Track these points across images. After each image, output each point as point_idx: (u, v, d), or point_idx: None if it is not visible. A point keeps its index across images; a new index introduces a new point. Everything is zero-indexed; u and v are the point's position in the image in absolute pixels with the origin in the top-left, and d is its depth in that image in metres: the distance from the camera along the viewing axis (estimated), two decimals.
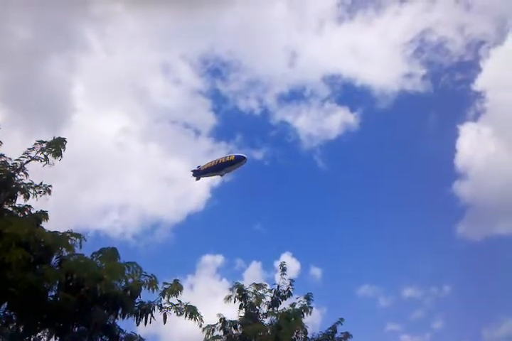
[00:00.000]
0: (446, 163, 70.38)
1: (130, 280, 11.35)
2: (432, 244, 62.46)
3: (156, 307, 11.71)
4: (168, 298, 11.70)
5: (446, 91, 72.21)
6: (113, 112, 77.97)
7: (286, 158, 75.09)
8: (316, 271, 56.59)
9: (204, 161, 50.78)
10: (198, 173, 50.63)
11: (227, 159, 47.57)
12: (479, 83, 67.91)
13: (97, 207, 62.13)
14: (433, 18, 76.45)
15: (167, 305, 11.74)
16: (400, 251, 61.09)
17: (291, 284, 15.78)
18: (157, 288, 11.64)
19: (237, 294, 15.70)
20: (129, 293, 11.29)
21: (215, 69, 77.86)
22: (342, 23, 79.09)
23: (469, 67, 77.42)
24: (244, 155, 48.45)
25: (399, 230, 65.13)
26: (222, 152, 68.92)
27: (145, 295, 11.73)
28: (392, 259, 60.88)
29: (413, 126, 75.14)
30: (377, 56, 77.34)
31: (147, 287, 11.53)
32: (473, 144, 66.07)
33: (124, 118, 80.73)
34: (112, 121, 74.91)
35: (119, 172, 71.00)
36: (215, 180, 65.31)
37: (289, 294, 15.82)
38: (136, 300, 11.59)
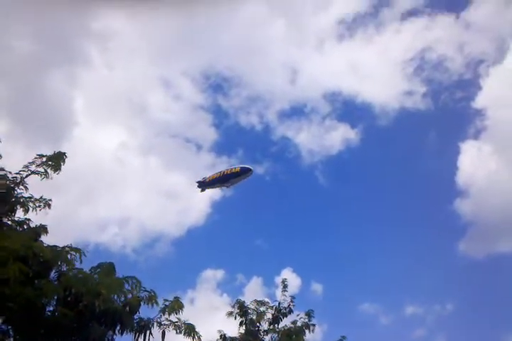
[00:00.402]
0: (447, 180, 70.32)
1: (129, 295, 11.19)
2: (434, 261, 62.14)
3: (155, 323, 11.56)
4: (169, 315, 11.54)
5: (447, 109, 72.63)
6: (112, 126, 78.99)
7: (287, 173, 75.28)
8: (317, 287, 56.30)
9: (205, 175, 50.86)
10: (203, 185, 50.24)
11: (233, 170, 47.30)
12: (479, 101, 68.25)
13: (97, 220, 62.49)
14: (433, 36, 77.02)
15: (166, 323, 11.59)
16: (402, 268, 60.89)
17: (292, 301, 15.59)
18: (157, 303, 11.48)
19: (238, 310, 15.52)
20: (127, 308, 11.11)
21: (216, 85, 78.55)
22: (342, 40, 79.97)
23: (469, 85, 77.76)
24: (250, 167, 48.03)
25: (400, 247, 64.74)
26: (223, 166, 68.98)
27: (144, 311, 11.60)
28: (394, 276, 60.53)
29: (414, 143, 75.52)
30: (377, 73, 77.88)
31: (146, 302, 11.38)
32: (474, 162, 66.19)
33: (124, 132, 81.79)
34: (111, 136, 76.11)
35: (118, 186, 71.43)
36: (216, 194, 65.58)
37: (290, 311, 15.60)
38: (135, 316, 11.43)
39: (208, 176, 50.09)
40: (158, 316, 11.58)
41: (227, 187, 48.78)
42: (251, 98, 76.64)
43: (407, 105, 70.30)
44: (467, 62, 72.44)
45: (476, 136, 69.86)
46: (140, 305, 11.30)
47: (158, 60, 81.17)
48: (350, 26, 79.99)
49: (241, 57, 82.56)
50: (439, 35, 76.90)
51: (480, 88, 70.45)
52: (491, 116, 65.75)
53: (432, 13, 76.94)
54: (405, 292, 58.32)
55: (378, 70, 77.75)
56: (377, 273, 60.89)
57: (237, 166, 48.34)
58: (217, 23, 77.21)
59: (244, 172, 46.82)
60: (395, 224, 68.64)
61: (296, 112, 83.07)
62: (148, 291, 11.39)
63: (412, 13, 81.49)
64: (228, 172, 47.53)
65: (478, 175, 64.82)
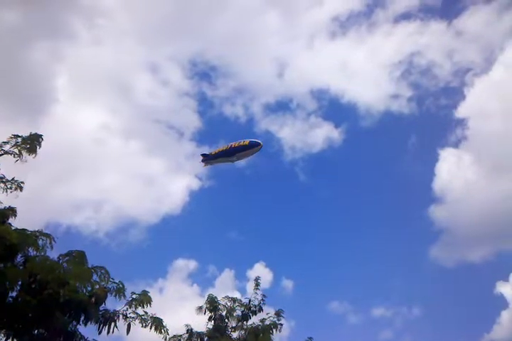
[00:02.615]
0: (424, 185, 70.41)
1: (96, 286, 10.89)
2: (405, 265, 62.79)
3: (120, 316, 11.28)
4: (135, 308, 11.27)
5: (430, 115, 73.15)
6: (95, 106, 76.48)
7: (267, 167, 74.80)
8: (288, 283, 56.37)
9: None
10: (208, 158, 47.77)
11: (241, 144, 44.84)
12: (462, 110, 68.88)
13: (71, 202, 60.59)
14: (424, 41, 76.79)
15: (132, 315, 11.32)
16: (374, 270, 61.20)
17: (263, 299, 15.39)
18: (124, 295, 11.23)
19: (208, 305, 15.27)
20: (93, 299, 10.83)
21: (203, 73, 77.92)
22: (334, 38, 79.73)
23: (454, 94, 77.56)
24: (260, 142, 45.34)
25: (374, 249, 65.10)
26: None
27: (111, 303, 11.32)
28: (365, 278, 60.72)
29: (395, 146, 75.69)
30: (365, 74, 77.61)
31: (114, 294, 11.11)
32: (452, 170, 66.67)
33: (105, 113, 77.84)
34: (92, 116, 72.78)
35: (96, 168, 69.50)
36: (195, 183, 65.04)
37: (260, 309, 15.41)
38: (101, 308, 11.15)
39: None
40: (125, 309, 11.31)
41: (233, 161, 46.07)
42: (237, 89, 76.31)
43: (392, 108, 70.66)
44: (455, 70, 73.05)
45: (457, 144, 70.22)
46: (107, 296, 11.04)
47: (147, 43, 78.59)
48: (344, 24, 79.92)
49: (231, 46, 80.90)
50: (430, 40, 76.78)
51: (464, 97, 71.36)
52: (472, 126, 66.40)
53: (424, 18, 77.30)
54: (375, 293, 58.74)
55: (367, 71, 77.56)
56: (348, 273, 61.28)
57: (246, 140, 45.31)
58: (210, 10, 76.42)
59: (253, 146, 44.37)
60: (370, 226, 68.97)
61: (282, 107, 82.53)
62: (116, 283, 11.12)
63: (405, 17, 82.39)
64: (236, 145, 44.80)
65: (455, 183, 65.28)
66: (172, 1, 78.76)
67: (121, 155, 71.19)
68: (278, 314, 15.34)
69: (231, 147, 45.18)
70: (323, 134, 72.12)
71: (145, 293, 11.41)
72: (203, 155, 48.35)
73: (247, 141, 44.76)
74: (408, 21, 79.59)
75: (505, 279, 53.45)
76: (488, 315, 50.69)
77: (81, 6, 75.05)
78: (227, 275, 53.35)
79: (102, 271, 11.05)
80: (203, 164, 49.24)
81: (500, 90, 67.17)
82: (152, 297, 11.63)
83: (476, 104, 67.44)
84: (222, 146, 46.83)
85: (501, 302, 50.66)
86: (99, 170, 69.41)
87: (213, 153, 47.18)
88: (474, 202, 60.92)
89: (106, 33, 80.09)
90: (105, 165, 70.86)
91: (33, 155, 11.09)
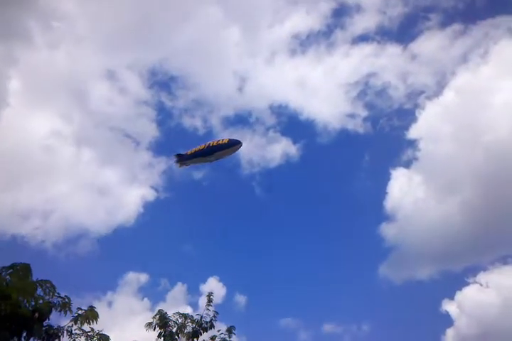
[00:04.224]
0: (376, 203, 71.96)
1: (41, 301, 10.43)
2: (356, 282, 63.62)
3: (65, 332, 10.85)
4: (81, 324, 10.85)
5: (384, 135, 75.29)
6: (46, 112, 73.12)
7: (224, 180, 74.67)
8: (241, 299, 56.07)
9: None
10: (183, 158, 44.95)
11: (220, 142, 42.56)
12: (414, 132, 70.90)
13: (18, 211, 58.44)
14: (380, 63, 78.99)
15: (78, 332, 10.92)
16: (325, 287, 61.71)
17: (215, 316, 15.16)
18: (70, 311, 10.79)
19: (158, 321, 14.92)
20: (37, 314, 10.35)
21: (163, 83, 77.65)
22: (294, 55, 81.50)
23: (407, 115, 79.77)
24: (240, 140, 43.17)
25: (326, 265, 65.95)
26: (161, 166, 67.89)
27: (55, 318, 10.86)
28: (316, 294, 61.08)
29: (349, 164, 77.41)
30: (323, 92, 79.42)
31: (59, 309, 10.67)
32: (403, 189, 68.18)
33: (58, 119, 73.61)
34: (43, 121, 69.77)
35: (45, 176, 67.00)
36: (150, 194, 64.00)
37: (212, 326, 15.16)
38: (45, 323, 10.67)
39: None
40: (70, 325, 10.88)
41: (211, 161, 43.58)
42: (197, 101, 75.78)
43: (348, 127, 72.58)
44: (408, 92, 75.36)
45: (408, 164, 72.03)
46: (51, 311, 10.57)
47: (105, 50, 76.50)
48: (304, 42, 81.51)
49: (192, 58, 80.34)
50: (386, 62, 79.11)
51: (416, 119, 73.40)
52: (422, 147, 68.40)
53: (381, 41, 79.77)
54: (326, 310, 59.10)
55: (325, 89, 79.42)
56: (301, 289, 61.51)
57: (225, 138, 43.29)
58: (172, 21, 76.25)
59: (233, 144, 42.32)
60: (324, 242, 69.77)
61: (241, 120, 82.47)
62: (62, 297, 10.68)
63: (362, 38, 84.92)
64: (215, 143, 42.50)
65: (405, 202, 66.81)
66: (134, 9, 77.95)
67: (73, 164, 68.99)
68: (229, 331, 15.14)
69: (209, 146, 42.92)
70: (281, 149, 72.77)
71: (92, 309, 11.02)
72: (177, 155, 45.75)
73: (226, 140, 42.98)
74: (365, 43, 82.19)
75: (451, 297, 54.99)
76: (434, 332, 51.69)
77: (37, 7, 73.24)
78: (179, 290, 52.66)
79: (48, 285, 10.59)
80: (177, 165, 46.35)
81: (451, 114, 69.83)
82: (100, 311, 11.26)
83: (427, 126, 69.88)
84: (199, 146, 44.12)
85: (447, 320, 52.01)
86: (48, 179, 67.17)
87: (189, 152, 44.56)
88: (423, 222, 62.54)
89: (62, 37, 77.67)
90: (55, 174, 68.48)
91: None
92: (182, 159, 45.26)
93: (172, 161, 46.75)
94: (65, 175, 69.28)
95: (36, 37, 73.34)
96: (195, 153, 43.77)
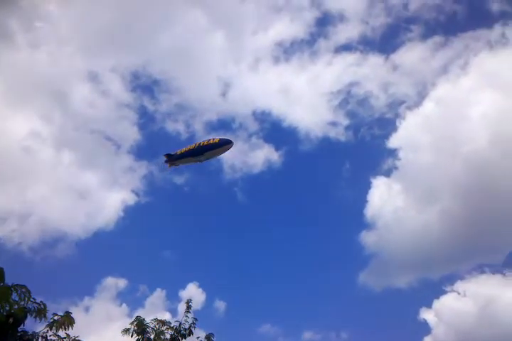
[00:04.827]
0: (356, 211, 73.14)
1: (15, 306, 10.17)
2: (336, 290, 64.32)
3: (40, 338, 10.60)
4: (57, 330, 10.61)
5: (365, 144, 76.72)
6: (26, 112, 73.32)
7: (206, 186, 74.79)
8: (220, 305, 55.95)
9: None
10: (173, 158, 44.62)
11: (211, 142, 42.16)
12: (394, 141, 72.45)
13: None
14: (362, 72, 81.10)
15: (53, 338, 10.68)
16: (305, 294, 61.96)
17: (194, 323, 14.99)
18: (45, 317, 10.55)
19: (136, 328, 14.70)
20: (11, 320, 10.08)
21: (146, 86, 78.20)
22: (278, 62, 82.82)
23: (388, 124, 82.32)
24: (231, 140, 42.52)
25: (307, 273, 66.21)
26: (141, 171, 67.42)
27: (31, 324, 10.61)
28: (296, 301, 61.40)
29: (331, 172, 78.47)
30: (306, 100, 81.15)
31: (34, 315, 10.42)
32: (383, 197, 69.21)
33: (38, 120, 75.38)
34: (23, 122, 69.79)
35: (23, 178, 66.55)
36: (130, 198, 63.38)
37: (190, 333, 15.00)
38: (19, 329, 10.40)
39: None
40: (45, 331, 10.64)
41: (201, 161, 42.86)
42: (180, 105, 76.32)
43: (329, 135, 73.91)
44: (389, 102, 77.20)
45: (388, 173, 73.59)
46: (26, 317, 10.31)
47: (88, 51, 77.34)
48: (287, 50, 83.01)
49: (175, 62, 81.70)
50: (368, 72, 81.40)
51: (396, 129, 74.58)
52: (402, 157, 69.73)
53: (364, 51, 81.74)
54: (305, 317, 59.44)
55: (308, 97, 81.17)
56: (281, 296, 61.74)
57: (215, 138, 42.81)
58: (157, 24, 76.38)
59: (224, 143, 41.86)
60: (304, 250, 70.09)
61: (224, 126, 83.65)
62: (38, 303, 10.43)
63: (345, 48, 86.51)
64: (205, 143, 42.01)
65: (385, 211, 67.90)
66: (118, 12, 78.20)
67: (52, 166, 68.54)
68: (208, 338, 15.01)
69: (199, 146, 42.63)
70: (263, 156, 73.40)
71: (67, 314, 10.79)
72: (166, 155, 45.33)
73: (217, 139, 42.65)
74: (348, 52, 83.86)
75: (429, 306, 55.74)
76: (412, 340, 52.15)
77: (19, 7, 73.44)
78: (158, 296, 52.34)
79: (23, 290, 10.32)
80: (167, 165, 46.05)
81: (430, 124, 71.15)
82: (77, 317, 11.04)
83: (407, 135, 71.36)
84: (188, 146, 43.99)
85: (424, 328, 52.58)
86: (26, 180, 66.46)
87: (179, 152, 44.34)
88: (402, 230, 63.60)
89: (45, 38, 77.69)
90: (34, 175, 67.85)
91: None
92: (171, 159, 44.81)
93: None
94: (43, 177, 68.83)
95: (18, 36, 73.20)
96: (185, 152, 43.33)
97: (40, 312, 10.40)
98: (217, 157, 44.56)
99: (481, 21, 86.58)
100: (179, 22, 78.70)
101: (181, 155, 43.83)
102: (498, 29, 77.20)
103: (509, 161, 61.93)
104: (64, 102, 74.37)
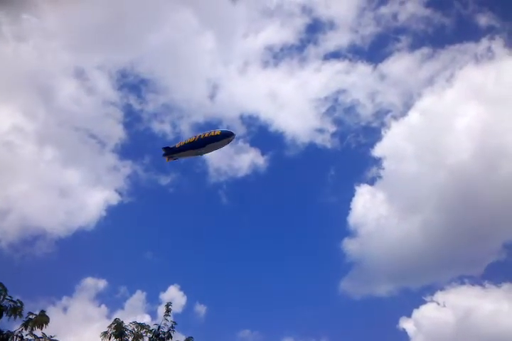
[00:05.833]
0: (339, 218, 73.05)
1: None
2: (316, 296, 63.86)
3: (15, 337, 10.40)
4: (32, 329, 10.42)
5: (350, 152, 76.97)
6: (8, 106, 71.38)
7: (191, 188, 74.41)
8: (201, 308, 55.50)
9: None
10: (172, 151, 42.89)
11: (211, 134, 40.64)
12: (379, 150, 72.72)
13: None
14: (350, 80, 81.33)
15: (29, 337, 10.48)
16: (285, 300, 61.67)
17: (173, 326, 14.83)
18: (21, 315, 10.37)
19: (114, 330, 14.49)
20: None
21: (133, 85, 77.29)
22: (266, 67, 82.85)
23: (373, 133, 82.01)
24: (233, 131, 41.00)
25: (287, 279, 66.01)
26: (126, 170, 66.83)
27: (6, 323, 10.41)
28: (277, 307, 60.98)
29: (315, 178, 78.44)
30: (294, 106, 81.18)
31: (9, 313, 10.24)
32: (366, 205, 69.40)
33: (21, 115, 72.54)
34: (5, 117, 68.06)
35: (4, 173, 65.16)
36: (113, 198, 62.64)
37: (169, 336, 14.82)
38: None
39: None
40: (20, 330, 10.44)
41: (201, 154, 41.77)
42: (167, 105, 75.65)
43: (316, 141, 74.09)
44: (376, 111, 77.49)
45: (372, 182, 73.62)
46: (2, 315, 10.15)
47: (75, 47, 74.55)
48: (277, 55, 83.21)
49: (164, 62, 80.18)
50: (356, 80, 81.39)
51: (381, 138, 75.13)
52: (386, 166, 70.04)
53: (352, 59, 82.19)
54: (285, 323, 58.96)
55: (295, 103, 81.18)
56: (261, 301, 61.29)
57: (216, 130, 41.12)
58: (146, 23, 75.94)
59: (226, 136, 40.46)
60: (285, 254, 70.01)
61: (211, 128, 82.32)
62: (14, 301, 10.28)
63: (334, 55, 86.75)
64: (206, 135, 40.53)
65: (368, 219, 67.97)
66: (108, 9, 77.42)
67: (34, 162, 67.22)
68: None
69: (200, 138, 41.17)
70: (249, 160, 73.34)
71: (42, 313, 10.62)
72: (165, 148, 43.72)
73: (218, 131, 41.26)
74: (337, 60, 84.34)
75: (408, 315, 55.78)
76: None
77: None
78: (138, 298, 51.74)
79: None
80: (165, 159, 44.08)
81: (415, 134, 71.80)
82: (54, 316, 10.95)
83: (392, 145, 71.72)
84: (188, 138, 42.48)
85: (403, 338, 52.61)
86: (7, 176, 65.19)
87: (178, 145, 42.69)
88: (384, 239, 63.70)
89: (31, 30, 75.54)
90: (15, 172, 66.43)
91: None
92: (170, 152, 43.48)
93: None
94: (25, 174, 67.59)
95: (3, 28, 71.31)
96: (185, 145, 42.14)
97: (16, 310, 10.24)
98: (209, 154, 43.10)
99: (469, 35, 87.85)
100: (169, 21, 78.38)
101: (181, 148, 42.42)
102: (484, 43, 78.07)
103: (492, 174, 62.68)
104: (49, 98, 72.70)
